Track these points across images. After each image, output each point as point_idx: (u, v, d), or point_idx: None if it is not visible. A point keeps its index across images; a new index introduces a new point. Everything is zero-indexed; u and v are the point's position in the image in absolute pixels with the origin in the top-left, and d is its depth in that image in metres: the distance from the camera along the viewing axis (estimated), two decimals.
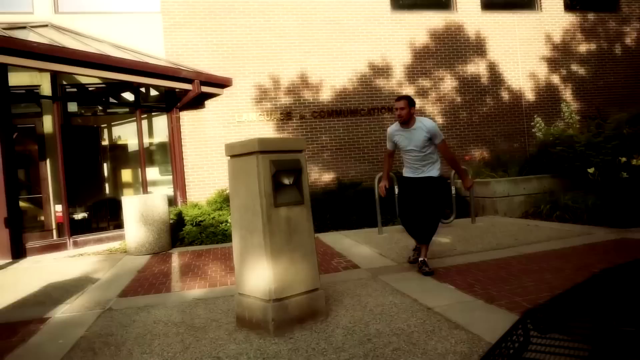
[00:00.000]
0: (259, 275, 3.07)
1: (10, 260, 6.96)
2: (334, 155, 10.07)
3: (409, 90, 10.52)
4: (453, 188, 7.82)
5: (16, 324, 3.87)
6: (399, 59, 10.55)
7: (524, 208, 8.39)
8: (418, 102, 10.51)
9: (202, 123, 9.45)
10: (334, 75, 10.16)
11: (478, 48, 11.05)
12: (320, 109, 10.04)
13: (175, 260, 6.30)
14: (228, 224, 7.64)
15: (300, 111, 9.94)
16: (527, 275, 4.25)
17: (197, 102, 9.26)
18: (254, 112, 9.64)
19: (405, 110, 4.58)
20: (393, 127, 4.84)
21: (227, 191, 8.72)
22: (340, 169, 10.09)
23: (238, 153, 3.18)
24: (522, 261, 4.89)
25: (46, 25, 8.43)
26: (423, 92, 10.68)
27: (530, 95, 11.35)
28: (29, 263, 6.82)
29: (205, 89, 8.74)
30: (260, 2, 9.79)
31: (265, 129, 9.65)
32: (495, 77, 11.14)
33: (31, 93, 8.20)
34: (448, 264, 4.97)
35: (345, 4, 10.25)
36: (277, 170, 3.08)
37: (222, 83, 9.18)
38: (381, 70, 10.44)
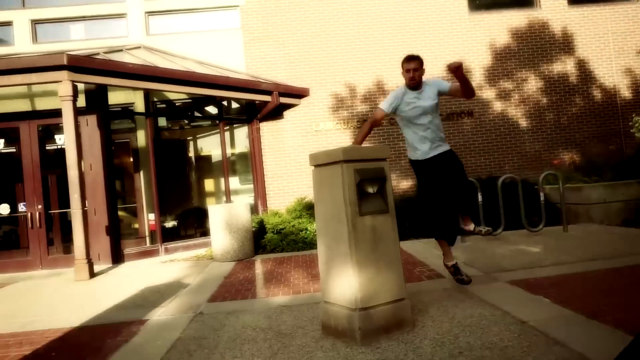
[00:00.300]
0: (345, 284, 3.08)
1: (111, 265, 7.55)
2: None
3: (489, 93, 10.14)
4: (542, 194, 7.39)
5: (120, 324, 4.17)
6: (479, 60, 10.20)
7: (624, 215, 7.73)
8: (500, 105, 10.11)
9: (280, 133, 9.72)
10: None
11: (565, 45, 10.40)
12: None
13: (259, 267, 6.49)
14: (308, 232, 7.76)
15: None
16: (634, 289, 3.90)
17: (276, 112, 9.54)
18: (330, 121, 9.76)
19: (419, 72, 4.01)
20: (402, 91, 4.08)
21: (306, 199, 8.89)
22: None
23: (322, 162, 3.22)
24: (624, 274, 4.50)
25: (139, 47, 9.11)
26: (505, 94, 10.23)
27: (626, 93, 10.49)
28: (127, 268, 7.34)
29: (283, 99, 8.98)
30: (336, 12, 9.92)
31: (342, 137, 9.71)
32: (585, 75, 10.41)
33: (126, 110, 8.88)
34: (539, 275, 4.69)
35: (421, 8, 10.11)
36: (362, 179, 3.08)
37: (300, 93, 9.39)
38: None
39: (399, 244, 3.35)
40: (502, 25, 10.28)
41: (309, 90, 9.58)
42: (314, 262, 6.41)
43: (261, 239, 7.88)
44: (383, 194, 3.23)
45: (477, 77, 10.16)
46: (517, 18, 10.33)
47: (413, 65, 3.98)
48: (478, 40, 10.21)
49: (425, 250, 6.67)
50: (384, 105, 4.09)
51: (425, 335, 3.17)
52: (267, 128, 9.71)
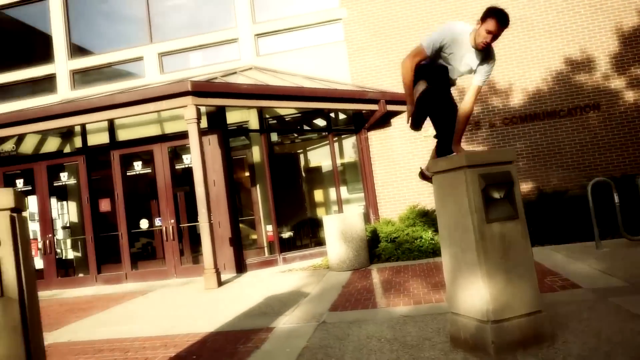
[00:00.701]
0: (474, 295, 2.95)
1: (235, 274, 8.03)
2: (531, 163, 9.26)
3: (618, 82, 9.15)
4: None
5: (249, 331, 4.40)
6: (603, 47, 9.27)
7: None
8: (631, 94, 9.09)
9: (389, 141, 9.67)
10: (524, 77, 9.42)
11: None
12: (511, 115, 9.39)
13: (376, 276, 6.48)
14: (423, 240, 7.59)
15: (490, 119, 9.43)
16: None
17: (383, 120, 9.52)
18: None
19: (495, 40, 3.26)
20: (464, 30, 3.33)
21: (419, 206, 8.71)
22: (540, 177, 9.22)
23: (443, 169, 3.13)
24: None
25: (250, 68, 9.68)
26: (637, 82, 9.15)
27: None
28: (249, 277, 7.76)
29: (390, 107, 8.93)
30: (439, 13, 9.67)
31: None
32: None
33: (242, 128, 9.45)
34: None
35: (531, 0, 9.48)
36: (487, 184, 2.93)
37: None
38: (581, 64, 9.30)
39: (532, 252, 3.13)
40: (628, 6, 9.25)
41: None
42: (432, 271, 6.24)
43: (375, 248, 7.86)
44: (511, 198, 3.05)
45: (601, 66, 9.24)
46: None
47: (498, 32, 3.17)
48: (601, 26, 9.28)
49: (554, 257, 6.16)
50: (427, 48, 3.33)
51: (568, 352, 2.91)
52: (375, 137, 9.72)
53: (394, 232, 7.94)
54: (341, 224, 7.16)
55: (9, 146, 10.00)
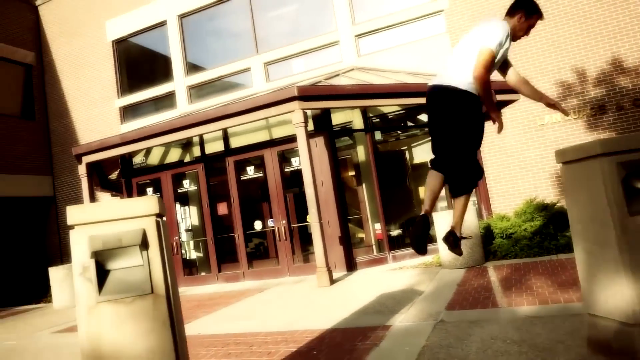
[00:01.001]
0: (617, 295, 2.67)
1: (346, 272, 8.15)
2: None
3: None
4: None
5: (365, 328, 4.43)
6: None
7: None
8: None
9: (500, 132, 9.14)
10: None
11: None
12: None
13: (492, 274, 6.17)
14: (543, 236, 7.08)
15: (617, 101, 8.52)
16: None
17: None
18: (557, 113, 8.75)
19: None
20: (508, 32, 3.25)
21: (537, 200, 8.15)
22: None
23: (573, 159, 2.88)
24: None
25: (352, 69, 9.75)
26: None
27: None
28: (360, 275, 7.83)
29: (500, 97, 8.44)
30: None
31: (574, 128, 8.64)
32: None
33: (347, 129, 9.55)
34: None
35: None
36: (628, 173, 2.65)
37: None
38: None
39: None
40: None
41: None
42: (557, 269, 5.80)
43: (489, 244, 7.49)
44: None
45: None
46: None
47: (536, 25, 3.31)
48: None
49: None
50: (497, 52, 3.18)
51: None
52: (485, 129, 9.25)
53: (509, 228, 7.51)
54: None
55: (139, 159, 11.14)
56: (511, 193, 9.04)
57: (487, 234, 7.70)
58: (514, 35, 3.31)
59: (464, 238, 3.69)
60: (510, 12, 3.34)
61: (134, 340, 2.32)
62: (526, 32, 3.33)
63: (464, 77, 3.22)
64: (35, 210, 13.49)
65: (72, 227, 2.41)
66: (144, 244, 2.36)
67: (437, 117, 3.43)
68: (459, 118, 3.28)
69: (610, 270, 2.70)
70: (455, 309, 4.68)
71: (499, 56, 3.23)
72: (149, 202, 2.43)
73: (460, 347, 3.48)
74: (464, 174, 3.39)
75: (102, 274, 2.36)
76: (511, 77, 3.51)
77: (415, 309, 4.91)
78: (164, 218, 2.58)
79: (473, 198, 9.43)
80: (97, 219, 2.37)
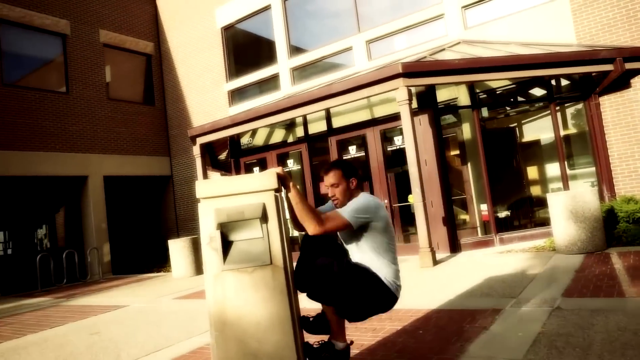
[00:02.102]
0: None
1: (449, 253, 7.95)
2: None
3: None
4: None
5: (473, 311, 4.31)
6: None
7: None
8: None
9: (627, 106, 8.22)
10: None
11: None
12: None
13: (617, 261, 5.65)
14: None
15: None
16: None
17: (620, 82, 8.12)
18: None
19: (341, 188, 2.90)
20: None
21: None
22: None
23: None
24: None
25: (458, 43, 9.30)
26: None
27: None
28: (464, 257, 7.59)
29: (629, 65, 7.57)
30: None
31: None
32: None
33: (451, 106, 9.19)
34: None
35: None
36: None
37: None
38: None
39: None
40: None
41: None
42: None
43: (612, 229, 6.85)
44: None
45: None
46: None
47: (330, 181, 2.95)
48: None
49: None
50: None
51: None
52: (608, 102, 8.37)
53: (638, 211, 6.81)
54: (570, 201, 6.42)
55: (246, 140, 11.72)
56: (639, 173, 8.12)
57: (609, 218, 7.05)
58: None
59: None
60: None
61: (255, 307, 2.49)
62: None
63: None
64: (154, 188, 14.88)
65: (198, 200, 2.63)
66: (264, 217, 2.50)
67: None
68: None
69: None
70: (573, 296, 4.38)
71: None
72: (268, 178, 2.56)
73: (582, 337, 3.26)
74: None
75: (226, 245, 2.55)
76: None
77: (527, 293, 4.67)
78: (282, 193, 2.71)
79: (591, 179, 8.66)
80: (222, 193, 2.55)
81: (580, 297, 4.30)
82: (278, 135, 11.36)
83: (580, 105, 8.83)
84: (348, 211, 2.75)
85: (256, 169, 11.30)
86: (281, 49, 12.37)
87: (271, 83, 12.75)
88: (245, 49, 14.06)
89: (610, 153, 8.36)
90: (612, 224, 6.97)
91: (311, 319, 2.93)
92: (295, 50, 12.42)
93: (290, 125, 11.06)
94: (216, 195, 2.58)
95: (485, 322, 3.95)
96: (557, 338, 3.31)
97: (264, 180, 2.57)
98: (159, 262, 12.40)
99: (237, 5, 13.25)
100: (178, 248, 10.07)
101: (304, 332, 2.81)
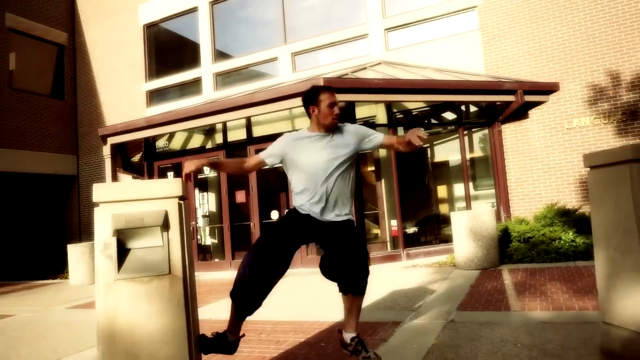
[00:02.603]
0: (636, 305, 2.63)
1: None
2: None
3: None
4: None
5: (375, 324, 4.44)
6: None
7: None
8: None
9: (525, 134, 9.01)
10: None
11: None
12: None
13: (507, 277, 6.11)
14: (562, 242, 6.98)
15: None
16: None
17: (520, 112, 8.89)
18: (586, 116, 8.58)
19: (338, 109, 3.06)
20: (297, 134, 3.13)
21: (558, 205, 8.04)
22: None
23: (601, 163, 2.83)
24: None
25: (379, 63, 9.69)
26: None
27: None
28: (373, 271, 7.75)
29: (528, 97, 8.32)
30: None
31: (602, 133, 8.44)
32: None
33: (369, 123, 9.50)
34: None
35: None
36: None
37: (548, 89, 8.56)
38: None
39: None
40: None
41: (558, 84, 8.65)
42: (573, 276, 5.72)
43: (505, 247, 7.42)
44: None
45: None
46: None
47: (333, 99, 3.01)
48: None
49: None
50: (263, 154, 3.17)
51: None
52: (509, 130, 9.13)
53: (528, 232, 7.42)
54: (470, 220, 6.87)
55: (162, 143, 11.31)
56: (532, 197, 8.90)
57: (504, 237, 7.62)
58: (325, 124, 3.02)
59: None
60: (307, 111, 3.12)
61: (148, 319, 2.39)
62: (332, 113, 3.00)
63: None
64: (57, 188, 13.85)
65: (96, 204, 2.48)
66: (165, 225, 2.41)
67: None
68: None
69: (630, 278, 2.66)
70: (466, 309, 4.66)
71: (289, 162, 3.10)
72: (172, 185, 2.48)
73: (469, 348, 3.47)
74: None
75: (123, 252, 2.42)
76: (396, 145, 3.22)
77: (426, 307, 4.90)
78: (186, 201, 2.63)
79: (491, 200, 9.34)
80: (121, 198, 2.43)
81: (472, 311, 4.59)
82: (196, 141, 11.08)
83: (485, 131, 9.52)
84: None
85: (170, 173, 10.92)
86: (206, 52, 12.13)
87: (193, 87, 12.45)
88: (168, 49, 13.62)
89: (509, 177, 9.09)
90: (507, 242, 7.55)
91: (210, 337, 2.90)
92: (220, 55, 12.24)
93: (209, 131, 10.84)
94: (116, 200, 2.45)
95: (385, 334, 4.08)
96: (447, 350, 3.50)
97: (168, 186, 2.49)
98: (57, 268, 11.51)
99: (163, 3, 12.84)
100: (77, 253, 9.43)
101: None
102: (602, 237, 2.86)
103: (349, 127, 3.15)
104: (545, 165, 8.85)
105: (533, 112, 8.94)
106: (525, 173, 9.01)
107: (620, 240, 2.70)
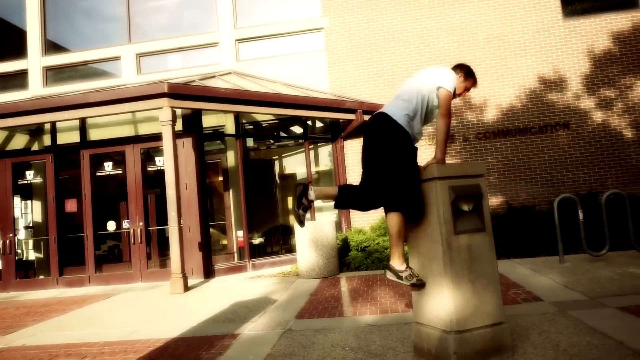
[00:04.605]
0: (439, 305, 2.96)
1: (203, 279, 7.91)
2: (502, 178, 9.44)
3: (587, 102, 9.44)
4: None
5: (213, 337, 4.33)
6: (575, 69, 9.56)
7: None
8: (600, 115, 9.39)
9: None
10: (499, 94, 9.63)
11: None
12: (485, 130, 9.57)
13: (344, 285, 6.47)
14: None
15: (464, 133, 9.59)
16: None
17: (360, 130, 9.56)
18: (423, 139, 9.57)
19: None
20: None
21: None
22: (509, 192, 9.40)
23: None
24: None
25: (230, 73, 9.62)
26: (606, 103, 9.46)
27: None
28: (217, 283, 7.65)
29: (367, 117, 8.99)
30: (420, 28, 9.83)
31: (428, 153, 9.48)
32: None
33: (218, 133, 9.37)
34: None
35: (509, 18, 9.73)
36: (457, 196, 2.97)
37: None
38: (553, 84, 9.56)
39: (497, 265, 3.17)
40: (600, 30, 9.58)
41: None
42: None
43: (345, 256, 7.87)
44: (479, 211, 3.09)
45: (572, 86, 9.52)
46: (618, 21, 9.57)
47: (470, 90, 3.56)
48: (574, 48, 9.58)
49: (519, 270, 6.27)
50: (451, 85, 3.26)
51: None
52: (351, 145, 9.77)
53: (364, 241, 7.96)
54: (312, 231, 7.14)
55: None
56: None
57: (344, 247, 8.07)
58: (456, 93, 3.41)
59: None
60: (454, 69, 3.45)
61: None
62: (461, 93, 3.49)
63: (402, 113, 3.23)
64: None
65: None
66: None
67: (370, 143, 3.27)
68: (388, 147, 3.18)
69: (436, 283, 2.99)
70: (304, 317, 4.79)
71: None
72: None
73: (302, 355, 3.56)
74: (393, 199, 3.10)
75: None
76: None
77: (266, 317, 4.92)
78: None
79: (334, 212, 9.85)
80: None
81: (309, 319, 4.74)
82: (19, 142, 9.72)
83: (329, 146, 10.04)
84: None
85: None
86: (34, 42, 10.77)
87: (18, 79, 10.95)
88: None
89: None
90: (347, 251, 8.00)
91: None
92: (52, 46, 10.98)
93: (36, 132, 9.60)
94: None
95: (222, 347, 3.99)
96: (282, 358, 3.55)
97: None
98: None
99: None
100: None
101: None
102: (414, 245, 3.18)
103: None
104: None
105: None
106: None
107: (428, 249, 3.02)
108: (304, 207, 3.32)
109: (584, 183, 9.28)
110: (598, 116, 9.43)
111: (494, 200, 9.33)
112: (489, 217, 3.13)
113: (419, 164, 3.29)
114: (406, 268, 3.14)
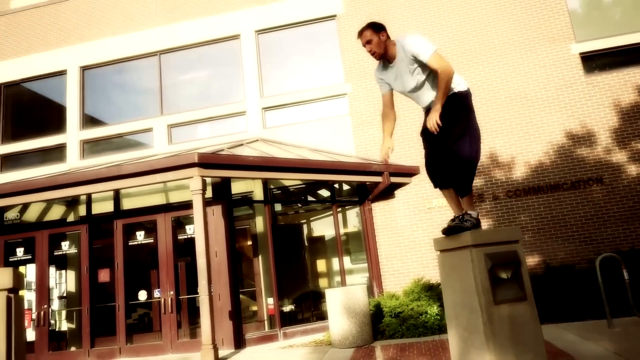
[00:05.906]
0: None
1: (233, 349, 7.72)
2: (537, 237, 9.17)
3: (619, 156, 9.26)
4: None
5: None
6: (603, 122, 9.47)
7: None
8: (634, 168, 9.16)
9: (392, 212, 9.65)
10: (526, 151, 9.56)
11: None
12: (515, 188, 9.43)
13: (380, 355, 6.21)
14: (428, 316, 7.35)
15: (493, 191, 9.47)
16: None
17: (387, 192, 9.56)
18: (442, 198, 9.47)
19: (374, 42, 3.39)
20: (376, 69, 3.73)
21: (423, 280, 8.55)
22: (546, 251, 9.08)
23: (448, 247, 3.08)
24: None
25: (257, 140, 9.89)
26: (639, 156, 9.26)
27: None
28: (248, 353, 7.45)
29: (394, 179, 9.01)
30: None
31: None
32: None
33: (246, 199, 9.49)
34: None
35: (530, 77, 9.84)
36: (494, 264, 2.88)
37: (410, 172, 9.37)
38: (582, 139, 9.46)
39: (542, 335, 3.00)
40: (624, 84, 9.56)
41: (419, 168, 9.53)
42: (438, 350, 5.99)
43: (379, 323, 7.60)
44: (518, 279, 2.98)
45: (601, 140, 9.40)
46: None
47: (364, 40, 3.44)
48: (598, 102, 9.55)
49: (565, 336, 5.92)
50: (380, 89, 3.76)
51: None
52: (379, 208, 9.72)
53: (398, 307, 7.72)
54: (344, 297, 6.97)
55: (13, 214, 10.04)
56: (401, 272, 9.40)
57: (377, 312, 7.83)
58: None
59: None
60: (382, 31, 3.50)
61: None
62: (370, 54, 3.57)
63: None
64: None
65: None
66: None
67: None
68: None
69: (479, 355, 2.84)
70: None
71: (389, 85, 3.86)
72: (1, 276, 2.15)
73: None
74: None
75: None
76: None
77: None
78: (21, 292, 2.29)
79: (365, 274, 9.66)
80: None
81: None
82: (55, 213, 10.03)
83: (357, 209, 10.02)
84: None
85: (20, 249, 9.63)
86: (73, 117, 11.39)
87: (56, 153, 11.49)
88: (30, 111, 12.56)
89: (380, 253, 9.54)
90: (380, 317, 7.74)
91: None
92: (89, 120, 11.57)
93: (71, 203, 9.91)
94: None
95: None
96: None
97: None
98: None
99: (26, 63, 11.96)
100: None
101: None
102: (452, 316, 3.06)
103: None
104: (412, 242, 9.49)
105: (399, 192, 9.68)
106: (395, 249, 9.55)
107: (467, 320, 2.90)
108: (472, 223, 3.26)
109: (625, 239, 8.91)
110: (632, 169, 9.21)
111: (530, 260, 9.01)
112: (529, 284, 3.01)
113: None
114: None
